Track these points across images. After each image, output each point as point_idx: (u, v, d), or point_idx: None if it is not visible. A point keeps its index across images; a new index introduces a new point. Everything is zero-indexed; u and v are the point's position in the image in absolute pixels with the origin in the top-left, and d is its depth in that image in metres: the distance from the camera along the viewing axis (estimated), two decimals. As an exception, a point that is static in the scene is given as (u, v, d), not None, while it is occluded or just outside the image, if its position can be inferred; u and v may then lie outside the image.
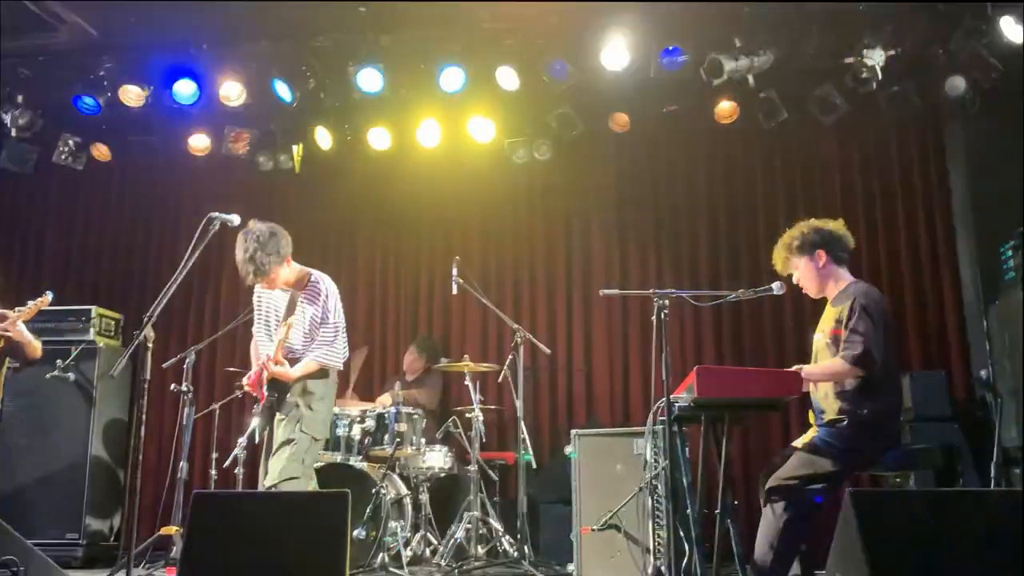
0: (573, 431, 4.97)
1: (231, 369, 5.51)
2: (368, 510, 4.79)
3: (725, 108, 5.80)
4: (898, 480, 3.77)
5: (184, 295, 6.59)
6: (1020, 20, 4.69)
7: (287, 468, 3.74)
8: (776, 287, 3.67)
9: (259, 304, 4.12)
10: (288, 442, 3.80)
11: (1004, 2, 4.71)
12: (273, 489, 3.70)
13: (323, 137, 6.21)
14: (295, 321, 3.89)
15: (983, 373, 5.13)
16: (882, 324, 3.44)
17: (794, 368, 3.46)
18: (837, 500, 2.83)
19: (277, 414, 3.90)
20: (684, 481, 3.74)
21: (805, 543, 3.46)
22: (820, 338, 3.68)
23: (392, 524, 4.87)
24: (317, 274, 4.07)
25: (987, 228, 5.47)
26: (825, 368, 3.50)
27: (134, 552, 4.92)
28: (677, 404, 3.40)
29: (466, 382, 5.42)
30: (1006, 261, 5.04)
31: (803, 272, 3.73)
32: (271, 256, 3.84)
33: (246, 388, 3.98)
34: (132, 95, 5.84)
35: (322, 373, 3.99)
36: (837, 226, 3.75)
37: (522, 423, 5.19)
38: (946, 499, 2.53)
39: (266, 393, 3.86)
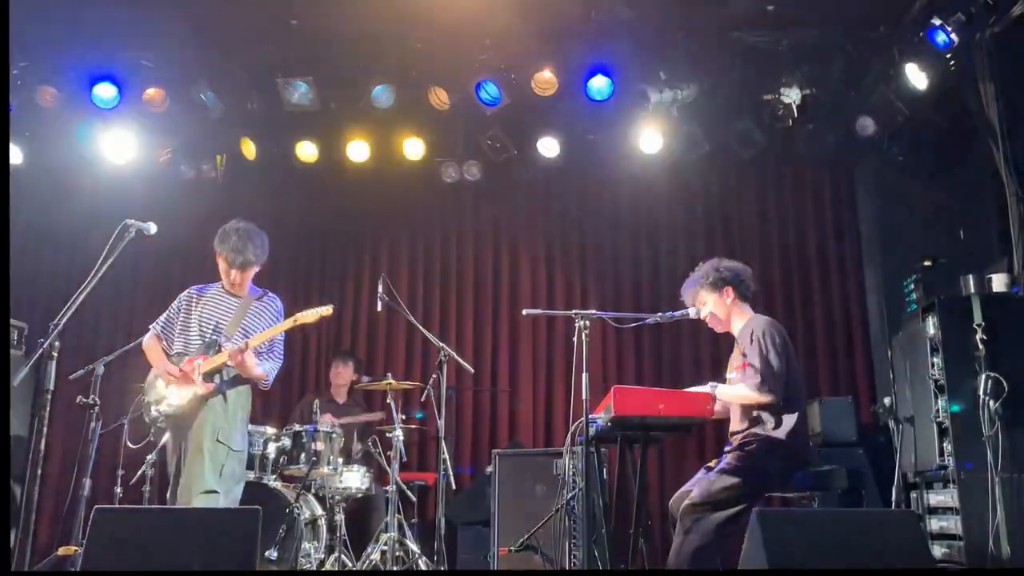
0: (494, 451, 4.98)
1: (142, 385, 5.31)
2: (281, 531, 4.67)
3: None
4: (803, 502, 3.89)
5: (95, 306, 6.33)
6: (923, 68, 4.98)
7: (203, 478, 3.58)
8: (692, 311, 3.78)
9: (195, 305, 3.98)
10: (202, 451, 3.64)
11: (909, 50, 4.99)
12: (187, 502, 3.53)
13: (248, 148, 6.11)
14: (244, 323, 3.88)
15: (887, 400, 5.35)
16: (782, 352, 3.59)
17: (708, 386, 3.58)
18: (747, 524, 2.91)
19: (194, 422, 3.72)
20: (600, 501, 3.79)
21: (716, 567, 3.55)
22: (733, 376, 3.81)
23: (306, 545, 4.75)
24: (273, 294, 4.12)
25: (892, 261, 5.77)
26: (735, 390, 3.64)
27: (29, 573, 4.69)
28: (595, 424, 3.44)
29: (388, 400, 5.37)
30: (908, 294, 5.30)
31: (712, 306, 3.90)
32: (259, 252, 3.89)
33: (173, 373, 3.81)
34: (48, 96, 5.63)
35: (246, 386, 3.92)
36: (743, 267, 3.94)
37: (443, 443, 5.16)
38: (845, 519, 2.63)
39: (211, 383, 3.75)
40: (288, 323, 3.86)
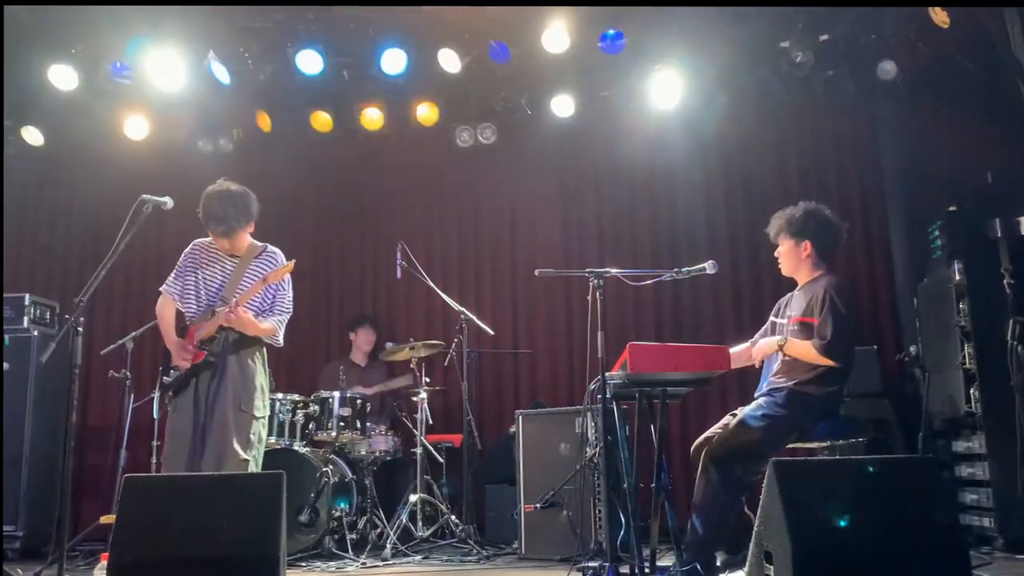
0: (517, 412, 5.04)
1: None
2: (312, 495, 4.78)
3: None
4: (826, 452, 3.90)
5: (123, 281, 6.45)
6: (945, 7, 4.82)
7: (233, 449, 3.57)
8: (709, 266, 3.75)
9: (200, 261, 3.87)
10: (228, 424, 3.62)
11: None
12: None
13: (264, 120, 6.13)
14: (242, 285, 3.74)
15: (912, 349, 5.30)
16: (853, 317, 3.60)
17: (777, 338, 3.62)
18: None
19: (208, 386, 3.66)
20: (622, 457, 3.83)
21: (738, 515, 3.58)
22: (784, 323, 3.80)
23: (337, 508, 4.87)
24: (272, 247, 3.96)
25: (917, 208, 5.66)
26: (803, 347, 3.61)
27: (73, 542, 4.88)
28: (612, 382, 3.46)
29: (412, 365, 5.45)
30: (934, 240, 5.21)
31: (785, 251, 3.90)
32: (242, 214, 3.74)
33: (181, 352, 3.72)
34: (64, 77, 5.69)
35: (260, 348, 3.84)
36: (836, 224, 3.87)
37: (467, 405, 5.23)
38: (862, 467, 2.63)
39: (204, 352, 3.66)
40: (259, 284, 3.70)
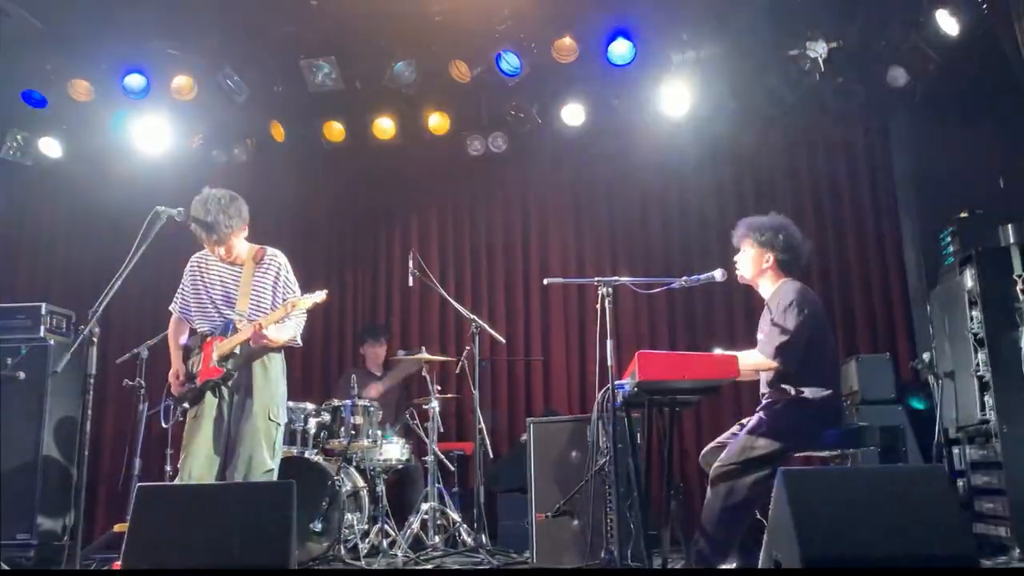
0: (528, 420, 5.04)
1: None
2: (324, 503, 4.80)
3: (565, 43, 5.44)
4: (838, 461, 3.88)
5: (138, 291, 6.52)
6: (954, 13, 4.82)
7: (263, 460, 3.60)
8: (718, 274, 3.75)
9: (202, 273, 3.88)
10: (258, 433, 3.64)
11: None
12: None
13: (277, 131, 6.20)
14: (254, 293, 3.75)
15: (926, 356, 5.27)
16: (806, 320, 3.55)
17: (730, 353, 3.57)
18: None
19: (234, 399, 3.71)
20: (633, 465, 3.83)
21: (747, 527, 3.57)
22: (761, 338, 3.80)
23: (349, 516, 4.89)
24: (272, 249, 3.93)
25: (929, 214, 5.64)
26: (746, 359, 3.61)
27: (87, 550, 4.92)
28: (622, 389, 3.47)
29: (424, 373, 5.47)
30: (946, 247, 5.19)
31: (747, 257, 3.87)
32: (233, 219, 3.67)
33: (175, 381, 3.74)
34: (81, 89, 5.77)
35: (281, 356, 3.86)
36: (801, 242, 3.84)
37: (479, 413, 5.24)
38: (871, 475, 2.62)
39: (224, 368, 3.66)
40: (281, 312, 3.65)
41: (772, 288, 3.81)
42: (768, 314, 3.66)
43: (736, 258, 3.92)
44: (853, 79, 5.58)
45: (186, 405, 3.76)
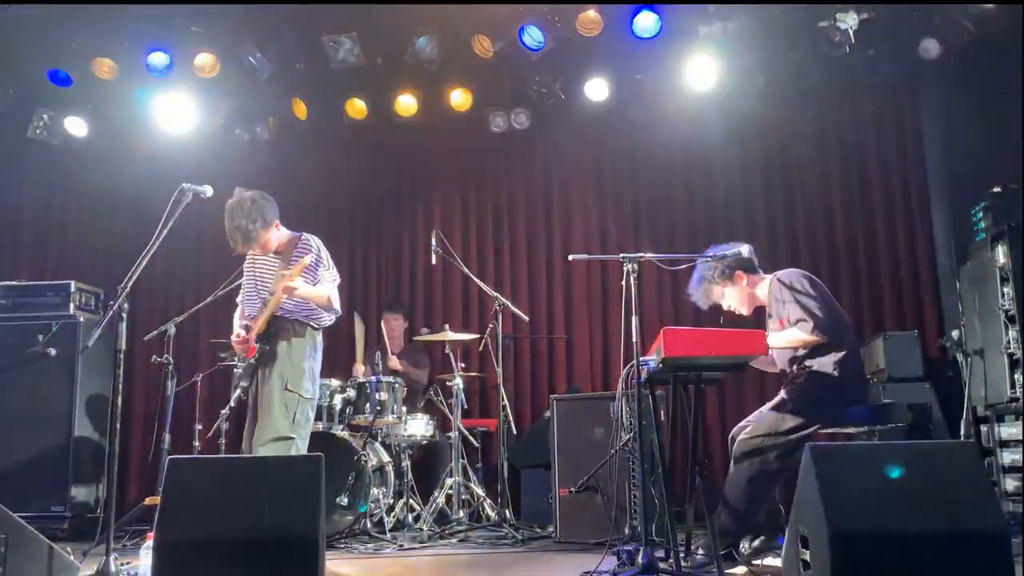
0: (552, 396, 5.05)
1: (215, 341, 5.54)
2: (351, 478, 4.85)
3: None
4: (864, 437, 3.86)
5: (165, 268, 6.60)
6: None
7: (277, 425, 3.78)
8: (745, 250, 3.73)
9: (252, 268, 4.15)
10: (272, 401, 3.82)
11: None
12: (262, 449, 3.72)
13: (300, 108, 6.20)
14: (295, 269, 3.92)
15: (955, 333, 5.20)
16: (816, 293, 3.60)
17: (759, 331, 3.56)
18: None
19: (260, 370, 3.92)
20: (657, 441, 3.82)
21: (770, 502, 3.58)
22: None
23: (375, 491, 4.94)
24: (307, 234, 4.14)
25: (960, 190, 5.54)
26: (786, 335, 3.63)
27: (120, 522, 5.01)
28: (647, 366, 3.46)
29: (447, 350, 5.49)
30: (977, 222, 5.10)
31: (731, 297, 3.90)
32: (256, 223, 3.90)
33: (235, 344, 4.01)
34: (105, 67, 5.80)
35: (307, 332, 4.02)
36: (740, 244, 3.84)
37: (502, 390, 5.25)
38: (899, 452, 2.59)
39: (257, 346, 3.90)
40: (299, 266, 3.86)
41: (765, 289, 3.84)
42: (778, 304, 3.69)
43: (726, 308, 3.94)
44: (884, 51, 5.46)
45: (244, 384, 3.99)
